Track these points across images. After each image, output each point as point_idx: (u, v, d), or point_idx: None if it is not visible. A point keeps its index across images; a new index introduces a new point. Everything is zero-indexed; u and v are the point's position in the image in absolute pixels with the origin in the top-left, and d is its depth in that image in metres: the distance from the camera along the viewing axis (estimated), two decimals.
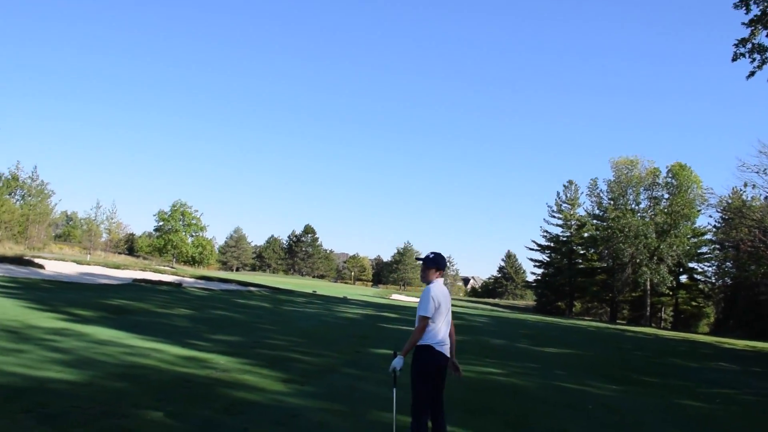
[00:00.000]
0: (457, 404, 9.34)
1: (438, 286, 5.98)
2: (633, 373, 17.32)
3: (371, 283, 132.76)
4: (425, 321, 5.81)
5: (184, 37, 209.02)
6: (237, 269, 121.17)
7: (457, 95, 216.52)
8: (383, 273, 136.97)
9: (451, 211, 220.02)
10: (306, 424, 7.15)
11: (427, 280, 6.07)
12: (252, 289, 45.60)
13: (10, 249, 49.44)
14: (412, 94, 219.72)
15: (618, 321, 69.07)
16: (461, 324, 31.16)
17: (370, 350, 15.31)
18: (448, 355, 5.98)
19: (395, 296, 77.53)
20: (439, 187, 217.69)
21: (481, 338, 23.98)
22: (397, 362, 5.85)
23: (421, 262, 6.19)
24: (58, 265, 41.20)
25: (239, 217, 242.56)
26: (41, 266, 37.91)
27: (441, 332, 5.89)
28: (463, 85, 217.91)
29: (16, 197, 76.75)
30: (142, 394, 7.69)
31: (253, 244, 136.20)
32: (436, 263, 6.09)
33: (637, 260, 65.06)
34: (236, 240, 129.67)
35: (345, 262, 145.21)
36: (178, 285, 38.43)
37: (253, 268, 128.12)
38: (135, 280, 37.93)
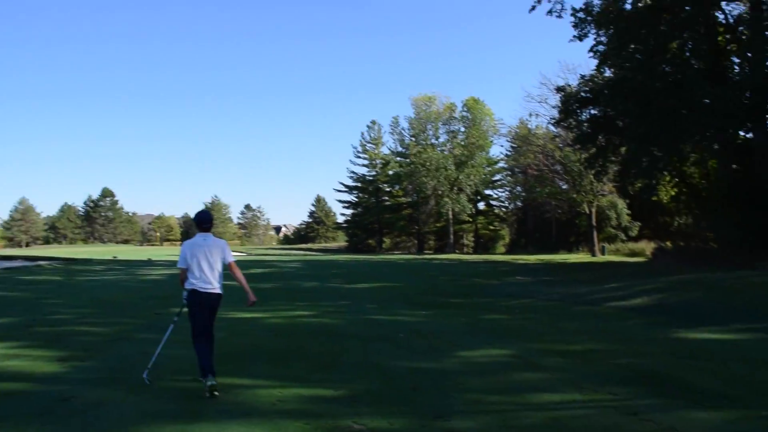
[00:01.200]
0: (265, 353, 8.84)
1: (194, 240, 7.14)
2: (441, 297, 17.99)
3: (180, 243, 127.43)
4: (180, 271, 7.06)
5: None
6: (27, 244, 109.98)
7: (258, 39, 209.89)
8: (192, 231, 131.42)
9: (257, 160, 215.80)
10: (80, 406, 6.12)
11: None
12: (42, 263, 41.31)
13: None
14: (199, 35, 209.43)
15: (425, 251, 72.71)
16: (273, 272, 30.76)
17: (173, 310, 14.17)
18: (212, 292, 6.96)
19: None
20: (243, 136, 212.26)
21: (293, 283, 23.73)
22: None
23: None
24: None
25: (24, 187, 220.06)
26: None
27: (197, 275, 6.89)
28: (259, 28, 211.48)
29: None
30: None
31: (43, 215, 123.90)
32: (195, 221, 7.39)
33: (439, 192, 68.39)
34: (22, 212, 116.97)
35: (150, 224, 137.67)
36: None
37: (47, 241, 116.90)
38: None
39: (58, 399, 6.38)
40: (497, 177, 75.76)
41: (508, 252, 65.41)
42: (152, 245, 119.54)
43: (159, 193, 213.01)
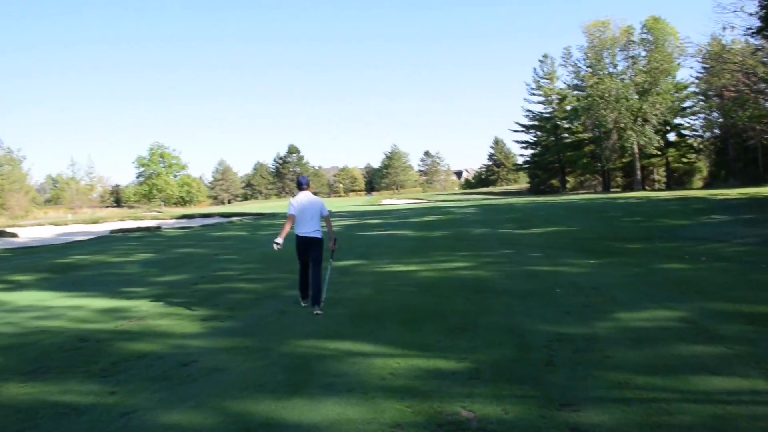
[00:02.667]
0: (402, 313, 8.30)
1: (297, 198, 8.96)
2: (616, 242, 16.33)
3: (365, 193, 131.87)
4: (288, 218, 8.89)
5: None
6: (228, 201, 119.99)
7: None
8: (375, 180, 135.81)
9: (434, 107, 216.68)
10: (195, 372, 6.02)
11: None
12: (234, 219, 44.46)
13: None
14: None
15: (612, 190, 68.23)
16: (446, 219, 30.17)
17: (331, 264, 14.20)
18: (314, 236, 8.78)
19: (386, 201, 76.60)
20: (419, 84, 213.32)
21: (462, 230, 22.97)
22: (276, 242, 8.87)
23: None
24: (34, 231, 39.94)
25: (222, 150, 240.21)
26: (15, 235, 36.64)
27: (302, 224, 8.80)
28: None
29: None
30: (12, 369, 6.53)
31: (240, 174, 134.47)
32: (297, 184, 9.21)
33: (621, 125, 63.29)
34: (222, 173, 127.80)
35: (335, 176, 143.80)
36: (157, 228, 37.29)
37: (245, 198, 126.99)
38: (112, 231, 36.71)
39: (180, 364, 6.34)
40: (688, 103, 68.15)
41: (705, 186, 59.35)
42: (339, 196, 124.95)
43: (342, 146, 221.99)
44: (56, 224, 44.93)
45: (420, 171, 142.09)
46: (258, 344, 6.99)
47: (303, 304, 9.02)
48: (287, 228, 8.77)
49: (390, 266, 13.41)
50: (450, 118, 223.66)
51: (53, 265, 17.69)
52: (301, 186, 9.09)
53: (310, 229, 8.76)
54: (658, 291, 9.12)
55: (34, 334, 8.30)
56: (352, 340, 6.92)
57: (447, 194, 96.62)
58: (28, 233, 38.32)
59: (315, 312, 8.46)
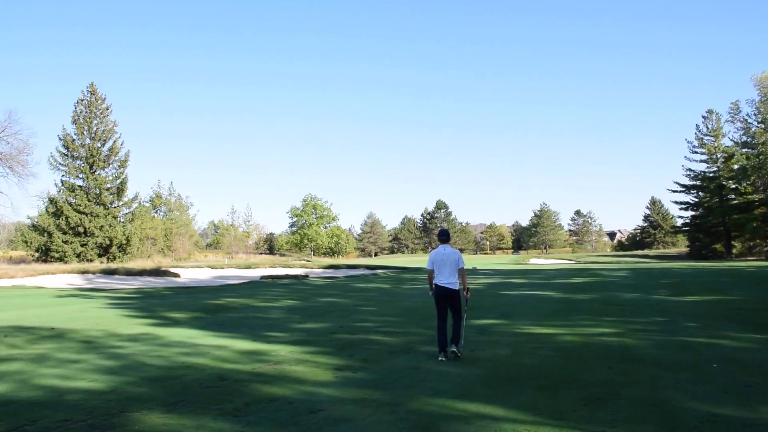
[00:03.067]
0: (538, 378, 7.88)
1: (437, 250, 9.71)
2: None
3: (512, 251, 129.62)
4: (429, 271, 9.80)
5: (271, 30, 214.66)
6: (375, 254, 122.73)
7: (576, 39, 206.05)
8: (523, 239, 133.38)
9: (586, 164, 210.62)
10: (321, 420, 6.01)
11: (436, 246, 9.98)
12: (378, 272, 45.26)
13: (158, 262, 52.52)
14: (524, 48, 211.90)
15: None
16: (594, 281, 28.82)
17: (470, 322, 13.90)
18: (450, 288, 9.37)
19: (534, 261, 74.83)
20: (571, 140, 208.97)
21: (611, 294, 21.77)
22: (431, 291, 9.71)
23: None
24: (194, 272, 43.06)
25: (371, 204, 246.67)
26: (177, 275, 39.69)
27: (441, 275, 9.47)
28: (579, 27, 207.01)
29: (161, 213, 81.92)
30: (157, 400, 6.90)
31: (388, 228, 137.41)
32: (438, 236, 10.03)
33: None
34: (371, 225, 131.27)
35: (482, 233, 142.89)
36: (304, 277, 38.78)
37: (392, 251, 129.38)
38: (262, 276, 38.67)
39: (309, 411, 6.38)
40: None
41: None
42: (485, 253, 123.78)
43: (490, 203, 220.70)
44: (214, 267, 48.08)
45: (570, 231, 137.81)
46: (387, 398, 6.89)
47: (441, 359, 9.19)
48: (429, 281, 9.76)
49: (531, 328, 12.91)
50: (604, 177, 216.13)
51: (205, 306, 18.81)
52: (441, 238, 9.86)
53: (450, 279, 9.40)
54: None
55: (180, 368, 8.77)
56: (482, 402, 6.62)
57: (598, 255, 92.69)
58: (189, 274, 41.31)
59: (453, 350, 9.30)
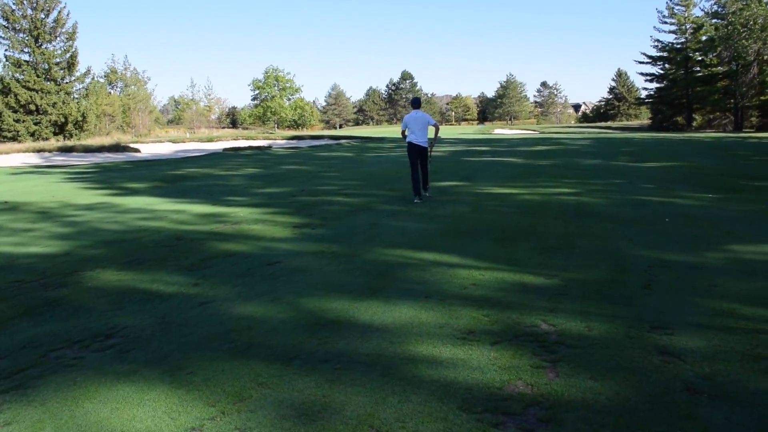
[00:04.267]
0: (497, 231, 7.96)
1: (410, 114, 11.25)
2: (740, 179, 14.96)
3: (477, 122, 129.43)
4: (402, 131, 11.55)
5: None
6: (340, 126, 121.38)
7: None
8: (488, 110, 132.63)
9: (554, 36, 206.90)
10: (277, 271, 6.03)
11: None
12: (342, 141, 44.90)
13: (117, 138, 51.21)
14: None
15: (745, 130, 62.82)
16: (557, 149, 29.00)
17: (432, 184, 13.94)
18: (421, 145, 11.04)
19: (498, 131, 74.84)
20: (537, 11, 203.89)
21: (572, 160, 21.94)
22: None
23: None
24: (155, 147, 42.12)
25: (335, 75, 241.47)
26: (137, 150, 38.80)
27: (413, 134, 11.05)
28: None
29: (117, 89, 79.03)
30: (111, 259, 6.83)
31: (353, 100, 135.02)
32: (411, 103, 11.69)
33: (765, 57, 57.35)
34: (335, 97, 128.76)
35: (448, 104, 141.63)
36: (267, 147, 38.31)
37: (357, 123, 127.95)
38: (224, 149, 38.06)
39: (265, 263, 6.39)
40: None
41: None
42: (450, 124, 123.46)
43: (456, 73, 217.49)
44: (175, 142, 47.07)
45: (535, 102, 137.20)
46: (344, 250, 6.92)
47: (416, 201, 10.87)
48: (404, 135, 11.46)
49: (492, 188, 13.00)
50: (571, 48, 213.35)
51: (165, 176, 18.51)
52: (414, 104, 11.59)
53: (421, 139, 11.07)
54: None
55: (136, 231, 8.67)
56: (439, 252, 6.69)
57: (562, 126, 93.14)
58: (149, 149, 40.43)
59: (426, 194, 11.37)
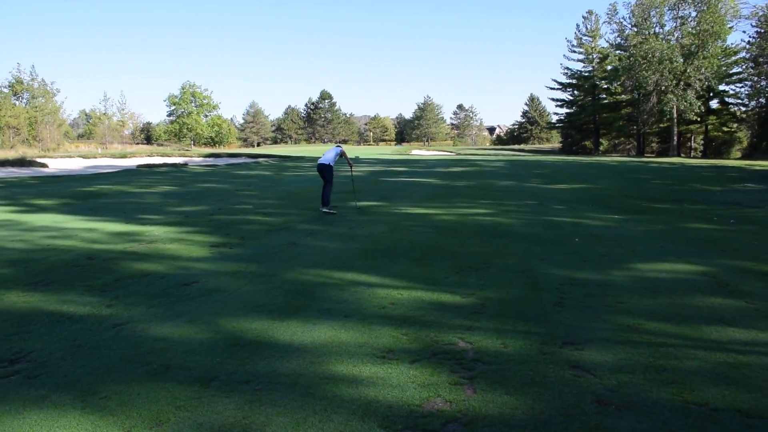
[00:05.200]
0: (413, 251, 8.13)
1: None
2: (643, 201, 15.84)
3: (395, 143, 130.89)
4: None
5: None
6: (258, 144, 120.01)
7: None
8: (406, 131, 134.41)
9: (470, 60, 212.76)
10: (194, 291, 5.92)
11: None
12: (260, 160, 44.48)
13: (23, 152, 48.75)
14: None
15: (646, 155, 66.29)
16: (472, 171, 29.76)
17: (348, 204, 14.05)
18: (324, 164, 12.80)
19: (416, 152, 76.05)
20: (455, 36, 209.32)
21: (487, 182, 22.58)
22: None
23: None
24: (64, 162, 40.38)
25: (254, 93, 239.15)
26: (44, 165, 37.08)
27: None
28: None
29: (23, 101, 75.44)
30: (15, 280, 6.51)
31: (271, 118, 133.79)
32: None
33: (662, 87, 60.68)
34: (253, 115, 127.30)
35: (366, 125, 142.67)
36: (183, 165, 37.48)
37: (275, 141, 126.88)
38: (138, 165, 36.95)
39: (181, 283, 6.26)
40: (735, 70, 65.14)
41: (744, 157, 57.15)
42: (368, 145, 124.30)
43: (374, 95, 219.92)
44: (86, 157, 45.34)
45: (452, 124, 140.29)
46: (263, 270, 6.88)
47: (322, 209, 12.47)
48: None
49: (409, 209, 13.22)
50: (486, 73, 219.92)
51: (75, 193, 17.81)
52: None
53: (325, 162, 12.80)
54: (681, 247, 8.77)
55: (44, 250, 8.30)
56: (358, 272, 6.77)
57: (477, 148, 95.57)
58: (58, 164, 38.73)
59: (323, 210, 12.37)
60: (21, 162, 36.98)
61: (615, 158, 55.02)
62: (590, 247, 8.64)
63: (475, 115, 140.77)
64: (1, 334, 4.72)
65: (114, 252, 8.12)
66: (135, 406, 3.44)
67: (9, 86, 73.44)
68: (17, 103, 72.23)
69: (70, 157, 44.32)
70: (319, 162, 13.05)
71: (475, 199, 15.79)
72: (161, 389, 3.65)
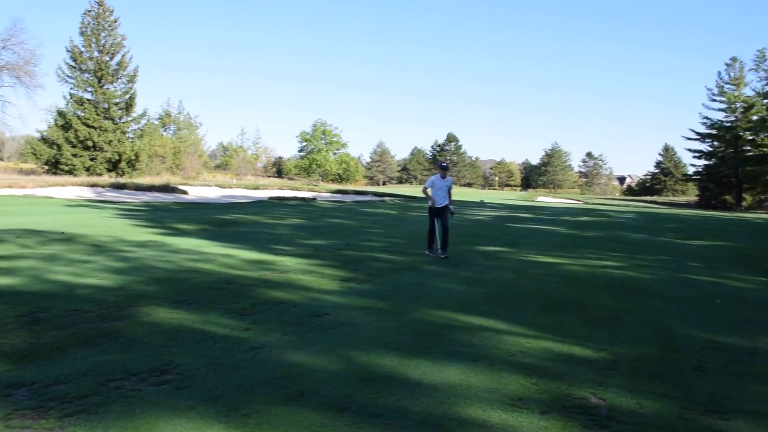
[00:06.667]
0: (541, 300, 7.96)
1: (435, 177, 12.54)
2: None
3: (520, 188, 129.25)
4: (425, 190, 12.65)
5: None
6: (383, 183, 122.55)
7: None
8: (532, 177, 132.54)
9: (601, 107, 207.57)
10: (326, 323, 6.12)
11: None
12: (386, 199, 45.34)
13: (167, 179, 52.64)
14: None
15: None
16: (601, 221, 28.79)
17: (475, 248, 14.03)
18: (442, 205, 12.30)
19: (542, 198, 74.62)
20: (586, 81, 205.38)
21: (617, 233, 21.73)
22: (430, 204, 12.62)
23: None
24: (202, 190, 43.21)
25: (381, 133, 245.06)
26: (185, 192, 39.86)
27: (437, 197, 12.37)
28: None
29: (170, 132, 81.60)
30: (164, 297, 7.02)
31: (397, 158, 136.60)
32: (439, 167, 12.73)
33: None
34: (380, 154, 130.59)
35: (491, 169, 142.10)
36: (312, 200, 38.91)
37: (400, 181, 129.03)
38: (270, 197, 38.79)
39: (313, 314, 6.48)
40: None
41: None
42: (492, 189, 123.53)
43: (501, 139, 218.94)
44: (222, 186, 48.23)
45: (580, 172, 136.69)
46: (391, 307, 6.99)
47: (427, 253, 12.36)
48: (427, 198, 12.68)
49: (536, 256, 12.98)
50: (618, 120, 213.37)
51: (213, 220, 18.96)
52: (440, 168, 12.71)
53: (441, 200, 12.41)
54: None
55: (187, 272, 8.90)
56: (485, 317, 6.72)
57: (606, 198, 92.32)
58: (197, 192, 41.48)
59: (442, 256, 11.86)
60: (165, 188, 39.90)
61: (761, 215, 51.28)
62: (734, 310, 8.08)
63: (605, 164, 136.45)
64: (153, 346, 5.11)
65: (250, 278, 8.56)
66: (273, 426, 3.60)
67: (159, 119, 79.92)
68: (164, 133, 78.26)
69: (207, 185, 47.27)
70: (437, 204, 12.27)
71: (605, 250, 15.24)
72: (297, 413, 3.79)
